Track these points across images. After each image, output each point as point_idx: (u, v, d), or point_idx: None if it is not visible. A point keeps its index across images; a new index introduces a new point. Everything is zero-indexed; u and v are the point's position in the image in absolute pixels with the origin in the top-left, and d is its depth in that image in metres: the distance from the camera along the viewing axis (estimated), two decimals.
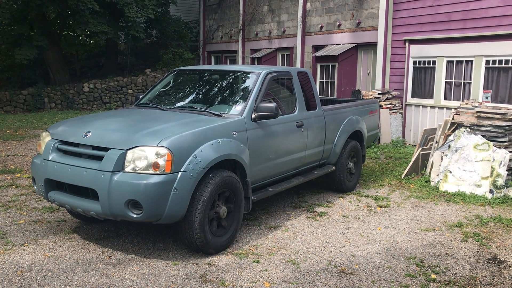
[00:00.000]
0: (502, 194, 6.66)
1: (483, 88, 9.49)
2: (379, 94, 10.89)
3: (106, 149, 4.27)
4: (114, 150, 4.21)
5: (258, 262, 4.43)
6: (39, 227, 5.25)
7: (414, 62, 10.87)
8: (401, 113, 11.11)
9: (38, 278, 4.00)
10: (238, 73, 5.78)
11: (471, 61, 9.69)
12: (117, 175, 4.11)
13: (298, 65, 14.54)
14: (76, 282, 3.94)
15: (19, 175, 7.62)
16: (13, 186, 6.91)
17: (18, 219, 5.51)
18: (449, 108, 9.97)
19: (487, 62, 9.40)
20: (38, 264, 4.27)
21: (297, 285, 4.00)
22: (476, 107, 7.72)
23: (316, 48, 14.14)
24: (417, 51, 10.74)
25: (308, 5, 14.19)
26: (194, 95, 5.88)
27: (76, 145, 4.52)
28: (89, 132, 4.50)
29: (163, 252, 4.63)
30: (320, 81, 13.68)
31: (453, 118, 7.84)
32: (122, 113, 5.37)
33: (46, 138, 4.83)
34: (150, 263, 4.35)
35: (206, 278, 4.06)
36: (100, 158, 4.26)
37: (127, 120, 4.94)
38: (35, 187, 4.85)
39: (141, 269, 4.21)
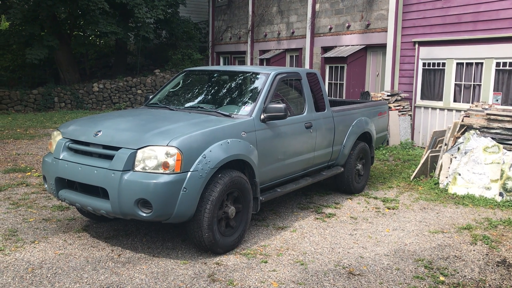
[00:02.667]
0: None
1: (493, 91, 9.43)
2: (388, 95, 10.87)
3: (116, 148, 4.30)
4: (125, 149, 4.25)
5: (266, 262, 4.44)
6: (50, 225, 5.30)
7: (424, 64, 10.83)
8: (410, 115, 11.07)
9: (49, 275, 4.05)
10: (247, 74, 5.80)
11: (481, 63, 9.64)
12: (127, 174, 4.15)
13: (307, 66, 14.53)
14: (86, 280, 3.97)
15: (29, 173, 7.69)
16: (24, 185, 6.98)
17: (28, 217, 5.56)
18: (458, 110, 9.93)
19: (498, 64, 9.34)
20: (48, 262, 4.31)
21: (305, 285, 4.01)
22: (486, 109, 7.68)
23: (325, 49, 14.13)
24: (426, 53, 10.70)
25: (317, 6, 14.19)
26: (203, 95, 5.90)
27: (87, 144, 4.56)
28: (99, 131, 4.54)
29: (172, 251, 4.65)
30: (329, 83, 13.67)
31: (462, 121, 7.80)
32: (132, 113, 5.41)
33: (57, 137, 4.88)
34: (159, 262, 4.38)
35: (215, 278, 4.08)
36: (110, 157, 4.30)
37: (137, 120, 4.98)
38: (46, 186, 4.90)
39: (150, 268, 4.24)
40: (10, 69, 19.09)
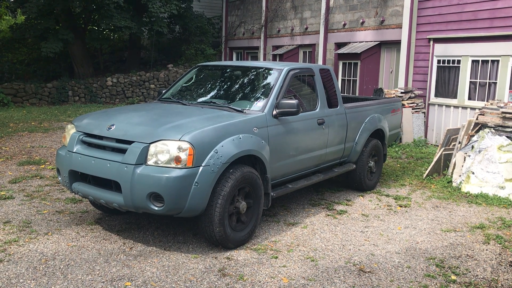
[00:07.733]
0: None
1: (509, 89, 9.30)
2: (401, 92, 10.78)
3: (129, 142, 4.33)
4: (137, 143, 4.27)
5: (276, 258, 4.45)
6: (63, 218, 5.36)
7: (438, 61, 10.72)
8: (424, 112, 10.98)
9: (62, 267, 4.10)
10: (260, 69, 5.79)
11: (497, 61, 9.51)
12: (140, 168, 4.17)
13: (320, 62, 14.47)
14: (97, 272, 4.02)
15: (43, 166, 7.78)
16: (38, 177, 7.07)
17: (42, 209, 5.63)
18: (473, 108, 9.81)
19: None
20: (61, 253, 4.37)
21: (315, 282, 4.00)
22: (501, 107, 7.58)
23: (339, 45, 14.05)
24: (441, 50, 10.59)
25: (331, 2, 14.10)
26: (216, 90, 5.91)
27: (100, 137, 4.60)
28: (113, 125, 4.57)
29: (183, 245, 4.68)
30: (342, 79, 13.60)
31: (477, 119, 7.71)
32: (146, 107, 5.44)
33: (71, 130, 4.92)
34: (170, 255, 4.41)
35: (225, 272, 4.09)
36: (123, 151, 4.33)
37: (150, 114, 5.01)
38: (60, 178, 4.96)
39: (161, 261, 4.27)
40: (25, 62, 19.28)
